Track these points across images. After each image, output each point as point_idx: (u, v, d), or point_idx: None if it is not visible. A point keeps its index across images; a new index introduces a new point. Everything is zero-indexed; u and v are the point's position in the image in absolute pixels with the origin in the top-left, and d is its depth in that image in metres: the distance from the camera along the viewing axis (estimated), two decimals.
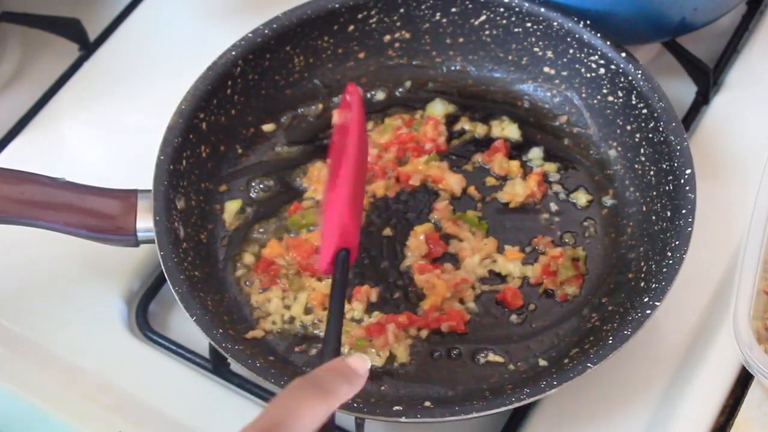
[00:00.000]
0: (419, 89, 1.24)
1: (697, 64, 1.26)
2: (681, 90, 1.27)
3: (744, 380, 1.08)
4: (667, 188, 1.10)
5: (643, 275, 1.08)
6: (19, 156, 1.23)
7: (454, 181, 1.16)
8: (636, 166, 1.15)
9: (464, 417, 0.98)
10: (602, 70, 1.18)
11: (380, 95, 1.24)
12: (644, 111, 1.14)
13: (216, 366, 1.09)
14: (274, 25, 1.18)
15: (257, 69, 1.19)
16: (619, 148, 1.18)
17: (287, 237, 1.14)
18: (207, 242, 1.13)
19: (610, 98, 1.18)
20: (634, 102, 1.15)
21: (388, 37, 1.23)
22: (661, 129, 1.12)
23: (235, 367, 1.02)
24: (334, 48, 1.22)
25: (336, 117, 1.15)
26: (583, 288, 1.11)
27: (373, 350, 1.07)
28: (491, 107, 1.23)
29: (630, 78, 1.15)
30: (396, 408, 0.99)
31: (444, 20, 1.22)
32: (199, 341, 1.05)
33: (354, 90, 1.10)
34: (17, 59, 1.33)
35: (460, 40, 1.23)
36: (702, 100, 1.27)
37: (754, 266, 1.04)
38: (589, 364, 0.99)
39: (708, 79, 1.25)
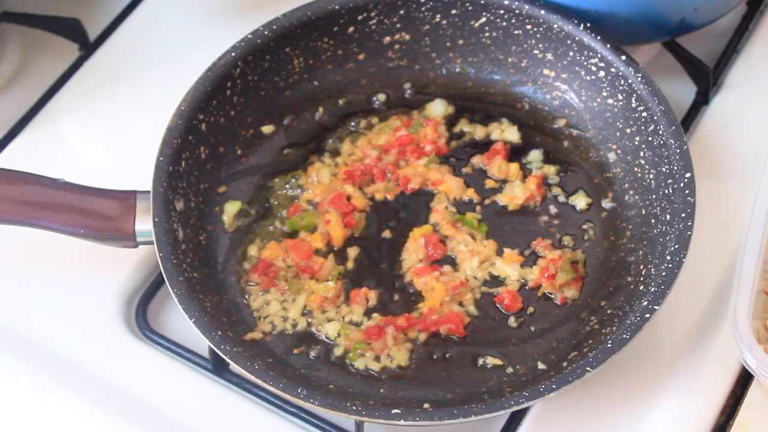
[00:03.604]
0: (419, 91, 1.24)
1: (697, 64, 1.26)
2: (681, 90, 1.27)
3: (744, 380, 1.08)
4: (666, 191, 1.10)
5: (642, 278, 1.08)
6: (18, 156, 1.23)
7: (454, 185, 1.16)
8: (635, 169, 1.15)
9: (463, 420, 0.98)
10: (602, 73, 1.18)
11: (380, 97, 1.23)
12: (644, 114, 1.14)
13: (216, 366, 1.10)
14: (274, 27, 1.18)
15: (257, 70, 1.19)
16: (619, 151, 1.17)
17: (286, 239, 1.14)
18: (206, 244, 1.13)
19: (610, 101, 1.18)
20: (633, 105, 1.15)
21: (387, 39, 1.23)
22: (660, 132, 1.12)
23: (235, 367, 1.02)
24: (333, 49, 1.22)
25: None
26: (582, 291, 1.11)
27: (372, 353, 1.07)
28: (491, 109, 1.22)
29: (630, 81, 1.15)
30: (395, 411, 0.99)
31: (444, 22, 1.22)
32: (199, 341, 1.05)
33: None
34: (17, 59, 1.32)
35: (460, 42, 1.23)
36: (702, 100, 1.26)
37: (754, 266, 1.03)
38: (588, 368, 0.99)
39: (708, 79, 1.25)
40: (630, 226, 1.14)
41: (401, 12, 1.21)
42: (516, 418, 1.07)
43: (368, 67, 1.24)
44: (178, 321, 1.11)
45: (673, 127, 1.11)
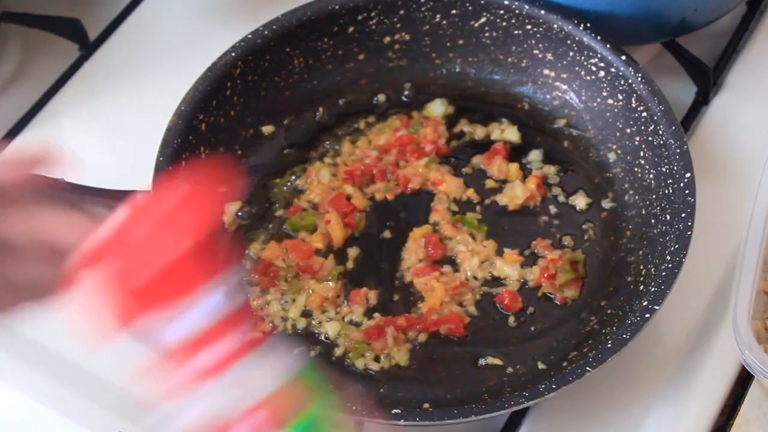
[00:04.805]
0: (419, 91, 1.24)
1: (697, 64, 1.26)
2: (681, 90, 1.26)
3: (744, 380, 1.08)
4: (666, 191, 1.10)
5: (642, 278, 1.08)
6: None
7: (454, 185, 1.16)
8: (635, 169, 1.15)
9: (463, 420, 0.98)
10: (602, 73, 1.17)
11: (380, 97, 1.23)
12: (644, 114, 1.14)
13: None
14: (274, 27, 1.18)
15: (257, 70, 1.18)
16: (619, 151, 1.17)
17: (286, 239, 1.14)
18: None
19: (610, 101, 1.18)
20: (633, 105, 1.15)
21: (387, 39, 1.23)
22: (660, 132, 1.12)
23: None
24: (333, 49, 1.22)
25: None
26: (582, 291, 1.11)
27: (372, 353, 1.07)
28: (491, 109, 1.22)
29: (630, 81, 1.15)
30: (395, 411, 0.98)
31: (444, 22, 1.22)
32: None
33: None
34: (17, 59, 1.32)
35: (460, 42, 1.23)
36: (702, 100, 1.26)
37: (754, 266, 1.03)
38: (587, 368, 0.99)
39: (708, 79, 1.25)
40: (630, 226, 1.14)
41: (401, 12, 1.21)
42: (516, 418, 1.06)
43: (368, 67, 1.24)
44: None
45: (673, 127, 1.11)
